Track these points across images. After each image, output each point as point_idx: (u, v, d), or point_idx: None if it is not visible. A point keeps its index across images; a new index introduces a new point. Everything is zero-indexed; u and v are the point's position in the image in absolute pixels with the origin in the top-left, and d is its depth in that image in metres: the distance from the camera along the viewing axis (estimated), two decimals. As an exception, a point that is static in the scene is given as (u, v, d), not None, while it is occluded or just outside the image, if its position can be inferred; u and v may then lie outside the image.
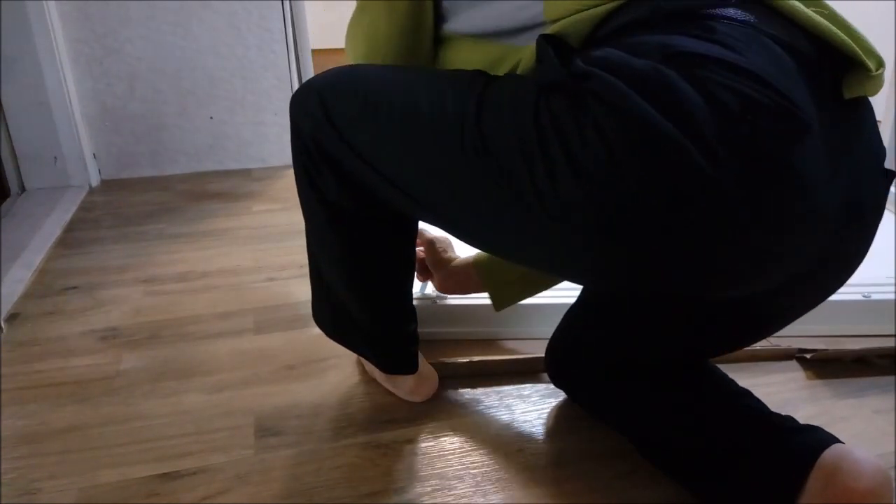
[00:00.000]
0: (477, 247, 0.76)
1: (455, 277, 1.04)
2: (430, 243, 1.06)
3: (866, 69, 0.59)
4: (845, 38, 0.59)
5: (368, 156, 0.73)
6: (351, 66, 0.78)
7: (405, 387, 0.97)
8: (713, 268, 0.59)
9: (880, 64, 0.60)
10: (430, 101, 0.67)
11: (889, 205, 1.58)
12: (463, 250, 1.06)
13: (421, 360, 0.98)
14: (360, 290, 0.88)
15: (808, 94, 0.57)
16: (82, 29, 1.85)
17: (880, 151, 0.65)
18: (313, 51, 2.11)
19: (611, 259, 0.60)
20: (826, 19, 0.60)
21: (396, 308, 0.91)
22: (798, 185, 0.56)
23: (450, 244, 1.09)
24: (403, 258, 0.88)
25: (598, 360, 0.88)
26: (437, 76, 0.70)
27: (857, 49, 0.58)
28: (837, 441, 0.69)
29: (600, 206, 0.57)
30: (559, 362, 0.94)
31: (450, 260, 1.06)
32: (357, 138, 0.73)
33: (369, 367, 1.02)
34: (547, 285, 1.02)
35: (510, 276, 1.00)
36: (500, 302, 1.02)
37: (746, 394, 0.80)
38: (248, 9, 1.94)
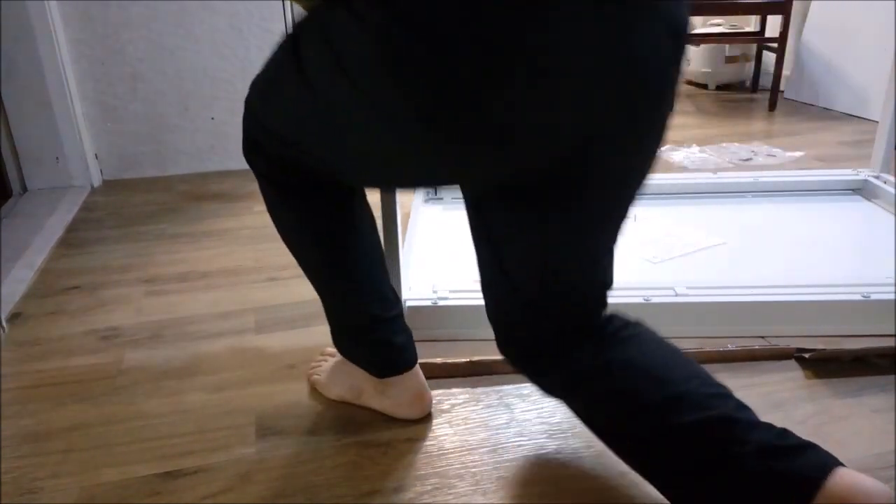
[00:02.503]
0: (363, 184, 0.81)
1: None
2: None
3: None
4: None
5: (278, 132, 0.77)
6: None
7: (402, 399, 0.93)
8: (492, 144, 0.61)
9: None
10: (277, 59, 0.73)
11: (888, 206, 1.58)
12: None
13: (416, 374, 0.94)
14: (329, 273, 0.88)
15: None
16: (84, 30, 1.86)
17: (673, 15, 0.62)
18: (314, 51, 2.12)
19: (434, 153, 0.63)
20: None
21: (369, 291, 0.88)
22: (538, 60, 0.57)
23: None
24: (360, 236, 0.88)
25: (526, 337, 0.81)
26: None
27: None
28: (839, 463, 0.63)
29: (413, 97, 0.59)
30: (509, 353, 0.86)
31: None
32: (265, 113, 0.78)
33: (366, 396, 0.96)
34: None
35: None
36: None
37: (727, 396, 0.71)
38: (249, 9, 1.94)
